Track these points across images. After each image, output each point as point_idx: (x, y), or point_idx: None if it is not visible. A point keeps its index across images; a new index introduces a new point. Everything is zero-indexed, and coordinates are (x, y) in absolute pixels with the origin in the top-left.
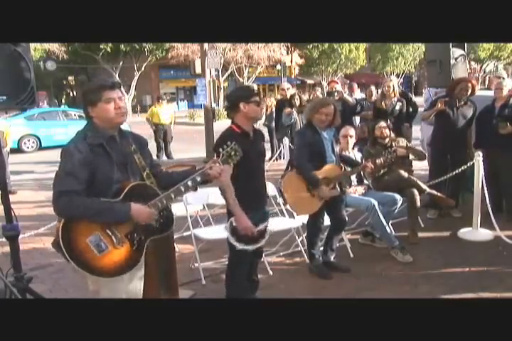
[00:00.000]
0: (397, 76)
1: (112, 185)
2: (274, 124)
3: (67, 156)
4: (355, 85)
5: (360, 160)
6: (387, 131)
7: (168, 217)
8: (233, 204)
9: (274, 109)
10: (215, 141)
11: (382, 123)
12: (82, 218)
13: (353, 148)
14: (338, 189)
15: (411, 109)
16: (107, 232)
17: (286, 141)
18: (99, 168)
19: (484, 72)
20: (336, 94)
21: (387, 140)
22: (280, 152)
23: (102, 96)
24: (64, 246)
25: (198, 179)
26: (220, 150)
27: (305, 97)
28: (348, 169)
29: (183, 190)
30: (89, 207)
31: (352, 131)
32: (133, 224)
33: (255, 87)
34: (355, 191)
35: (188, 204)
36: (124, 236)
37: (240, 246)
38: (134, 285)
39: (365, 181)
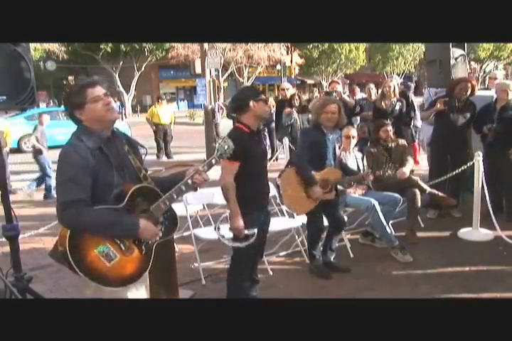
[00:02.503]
0: (398, 76)
1: (112, 190)
2: (273, 124)
3: (66, 161)
4: (357, 89)
5: (361, 160)
6: (391, 133)
7: (173, 218)
8: (233, 203)
9: (272, 109)
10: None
11: (388, 126)
12: (88, 231)
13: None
14: (334, 192)
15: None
16: (115, 240)
17: (286, 141)
18: (100, 173)
19: (484, 72)
20: (334, 93)
21: (389, 140)
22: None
23: (86, 96)
24: (72, 259)
25: (190, 182)
26: (216, 145)
27: (305, 97)
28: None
29: (184, 189)
30: (96, 221)
31: (354, 132)
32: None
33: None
34: (355, 191)
35: (188, 204)
36: (132, 243)
37: (224, 240)
38: (139, 295)
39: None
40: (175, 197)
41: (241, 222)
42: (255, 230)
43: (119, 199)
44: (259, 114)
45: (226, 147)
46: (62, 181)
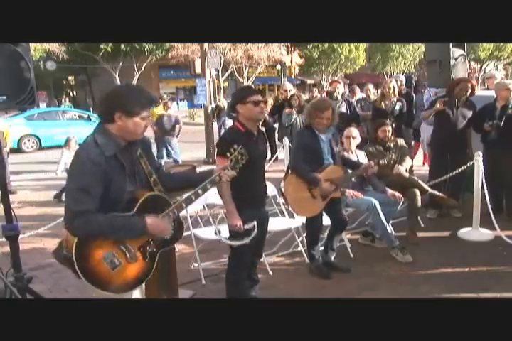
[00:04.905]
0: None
1: (123, 196)
2: (271, 124)
3: (80, 169)
4: (357, 89)
5: (363, 160)
6: (390, 133)
7: (179, 227)
8: (228, 200)
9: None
10: (215, 140)
11: (387, 126)
12: (98, 236)
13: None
14: (340, 190)
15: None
16: (121, 248)
17: (286, 141)
18: (113, 180)
19: (484, 72)
20: (335, 94)
21: (387, 140)
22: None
23: (140, 113)
24: (77, 263)
25: (209, 186)
26: (228, 154)
27: (304, 97)
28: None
29: (193, 198)
30: (105, 226)
31: (355, 133)
32: (147, 237)
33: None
34: (353, 196)
35: None
36: (137, 250)
37: (225, 241)
38: (135, 293)
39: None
40: (183, 206)
41: (238, 219)
42: (254, 223)
43: (130, 205)
44: (248, 117)
45: (240, 156)
46: (75, 189)
